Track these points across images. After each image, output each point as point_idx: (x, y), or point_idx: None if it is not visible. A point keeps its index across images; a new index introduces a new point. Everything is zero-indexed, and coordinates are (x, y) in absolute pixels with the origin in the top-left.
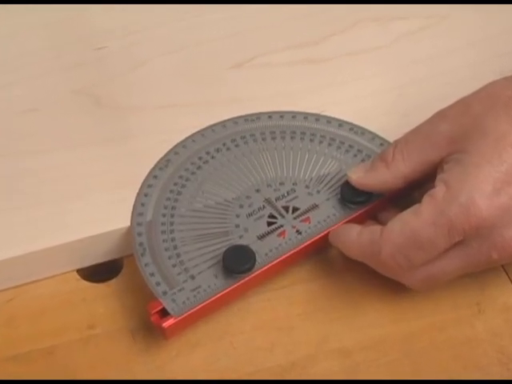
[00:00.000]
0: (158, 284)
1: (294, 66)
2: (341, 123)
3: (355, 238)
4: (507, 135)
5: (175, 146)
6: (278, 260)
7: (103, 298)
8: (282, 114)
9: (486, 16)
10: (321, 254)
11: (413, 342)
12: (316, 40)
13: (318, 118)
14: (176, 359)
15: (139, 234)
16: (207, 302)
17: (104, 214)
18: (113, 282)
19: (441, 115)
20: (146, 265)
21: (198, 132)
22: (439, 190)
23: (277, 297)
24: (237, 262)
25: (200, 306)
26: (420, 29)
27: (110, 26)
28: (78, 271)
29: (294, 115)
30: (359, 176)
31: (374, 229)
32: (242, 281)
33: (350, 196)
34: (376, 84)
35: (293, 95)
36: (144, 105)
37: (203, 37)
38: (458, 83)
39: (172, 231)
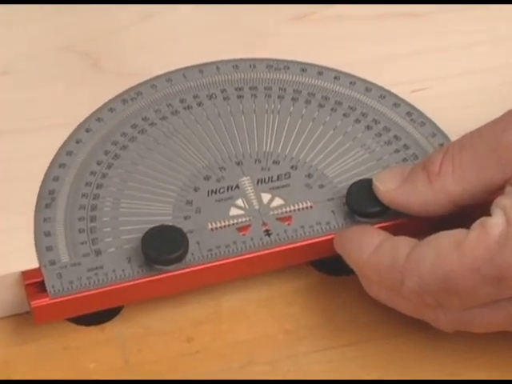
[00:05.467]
0: (48, 249)
1: (379, 22)
2: (397, 103)
3: (370, 254)
4: None
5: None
6: (222, 262)
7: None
8: (304, 67)
9: None
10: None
11: None
12: None
13: (353, 81)
14: None
15: (55, 179)
16: (104, 290)
17: None
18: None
19: None
20: (45, 220)
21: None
22: (496, 222)
23: (341, 357)
24: (159, 249)
25: (90, 294)
26: None
27: None
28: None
29: (320, 71)
30: (389, 188)
31: (397, 247)
32: (163, 275)
33: (358, 204)
34: (496, 56)
35: (377, 63)
36: (160, 67)
37: None
38: None
39: (100, 186)
